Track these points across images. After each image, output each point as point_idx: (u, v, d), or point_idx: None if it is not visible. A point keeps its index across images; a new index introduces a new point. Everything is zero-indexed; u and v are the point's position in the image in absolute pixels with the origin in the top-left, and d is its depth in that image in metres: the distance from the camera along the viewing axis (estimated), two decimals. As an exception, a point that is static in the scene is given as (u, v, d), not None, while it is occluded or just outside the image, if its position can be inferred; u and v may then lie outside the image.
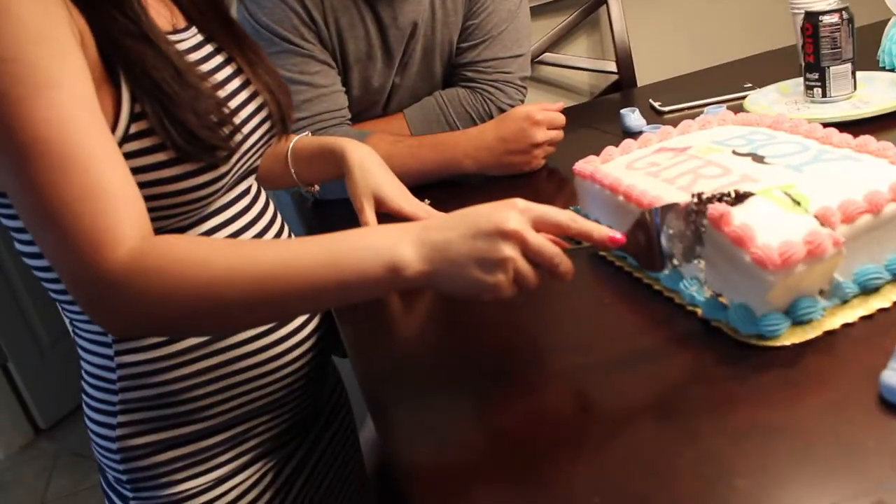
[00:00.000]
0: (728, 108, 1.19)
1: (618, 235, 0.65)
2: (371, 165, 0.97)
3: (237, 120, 0.78)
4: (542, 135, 1.18)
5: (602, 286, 0.83)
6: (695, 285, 0.71)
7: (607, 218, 0.86)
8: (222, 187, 0.77)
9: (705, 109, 1.22)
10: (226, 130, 0.74)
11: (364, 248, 0.63)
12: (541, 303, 0.80)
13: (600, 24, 2.00)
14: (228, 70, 0.81)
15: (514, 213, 0.62)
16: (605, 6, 1.88)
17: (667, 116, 1.33)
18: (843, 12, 1.11)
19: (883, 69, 1.26)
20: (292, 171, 1.02)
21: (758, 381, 0.63)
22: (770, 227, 0.66)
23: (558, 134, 1.21)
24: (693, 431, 0.59)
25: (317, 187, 1.07)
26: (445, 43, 1.34)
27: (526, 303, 0.78)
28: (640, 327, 0.74)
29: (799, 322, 0.66)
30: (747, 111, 1.17)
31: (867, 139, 0.81)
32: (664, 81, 1.58)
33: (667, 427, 0.60)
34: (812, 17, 1.13)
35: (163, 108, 0.69)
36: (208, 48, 0.80)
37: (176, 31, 0.78)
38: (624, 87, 1.89)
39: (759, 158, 0.81)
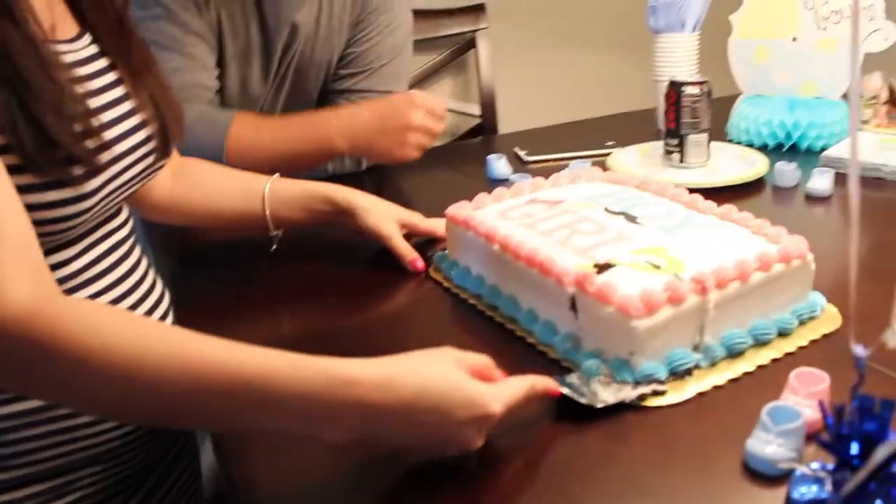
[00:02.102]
0: (593, 164, 1.22)
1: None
2: (377, 200, 0.98)
3: (107, 135, 0.70)
4: (418, 117, 1.14)
5: (471, 337, 0.81)
6: (570, 341, 0.71)
7: (479, 266, 0.85)
8: (84, 221, 0.69)
9: (570, 164, 1.24)
10: (90, 144, 0.67)
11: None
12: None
13: (466, 68, 2.03)
14: (111, 76, 0.74)
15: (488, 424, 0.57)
16: (473, 50, 1.91)
17: (531, 166, 1.35)
18: (704, 85, 1.18)
19: (730, 142, 1.34)
20: (268, 213, 0.97)
21: (633, 442, 0.62)
22: (631, 284, 0.68)
23: (436, 124, 1.18)
24: (569, 493, 0.57)
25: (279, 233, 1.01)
26: (323, 63, 1.29)
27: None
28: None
29: (675, 372, 0.67)
30: (610, 169, 1.20)
31: (730, 208, 0.84)
32: (527, 131, 1.60)
33: (543, 489, 0.58)
34: (676, 87, 1.18)
35: (18, 100, 0.61)
36: (101, 62, 0.74)
37: (59, 41, 0.70)
38: (485, 131, 1.91)
39: (631, 218, 0.83)
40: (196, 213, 0.98)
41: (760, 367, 0.69)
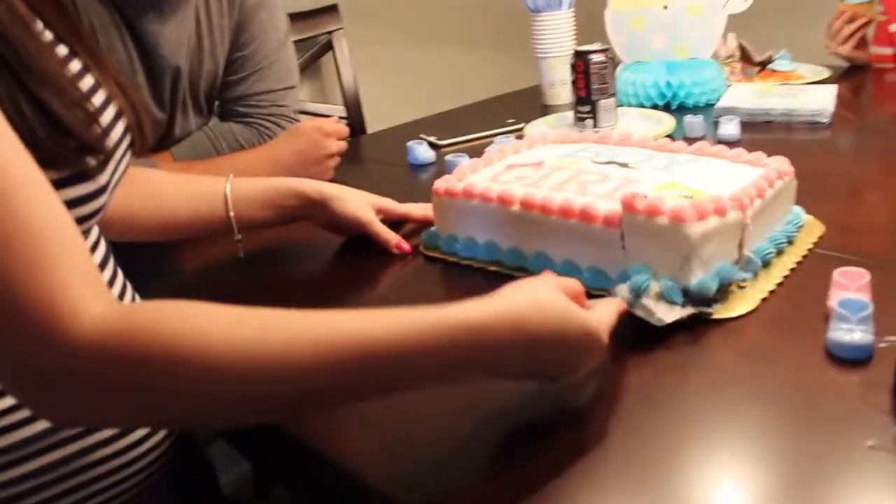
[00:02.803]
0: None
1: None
2: (347, 189, 0.96)
3: (103, 121, 0.63)
4: (334, 145, 1.21)
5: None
6: (622, 280, 0.73)
7: (489, 232, 0.85)
8: (98, 214, 0.62)
9: (494, 140, 1.27)
10: (97, 129, 0.60)
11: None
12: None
13: (322, 72, 2.00)
14: (77, 63, 0.65)
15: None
16: (330, 52, 1.88)
17: (446, 150, 1.36)
18: (608, 52, 1.25)
19: (619, 106, 1.43)
20: (232, 214, 0.91)
21: (717, 358, 0.66)
22: (674, 201, 0.72)
23: (345, 145, 1.24)
24: (679, 413, 0.60)
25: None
26: (211, 74, 1.24)
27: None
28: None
29: (723, 284, 0.71)
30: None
31: (702, 144, 0.91)
32: (415, 122, 1.61)
33: (656, 415, 0.61)
34: (582, 56, 1.25)
35: (19, 84, 0.53)
36: (63, 48, 0.64)
37: None
38: (355, 132, 1.89)
39: (624, 165, 0.87)
40: (154, 225, 0.90)
41: (791, 271, 0.77)
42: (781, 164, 0.83)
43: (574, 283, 0.62)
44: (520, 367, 0.57)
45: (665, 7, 1.41)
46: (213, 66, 1.23)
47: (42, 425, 0.61)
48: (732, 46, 1.51)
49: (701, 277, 0.70)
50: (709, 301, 0.71)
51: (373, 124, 1.90)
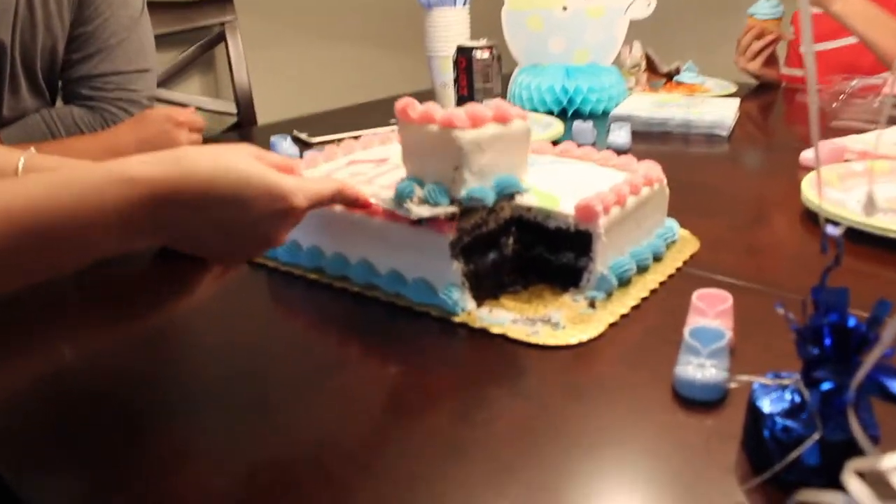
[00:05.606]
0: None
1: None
2: None
3: None
4: (185, 137, 1.09)
5: (319, 312, 0.69)
6: (456, 291, 0.61)
7: (309, 237, 0.73)
8: None
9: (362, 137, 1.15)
10: None
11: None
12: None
13: (214, 65, 1.86)
14: None
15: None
16: (223, 45, 1.75)
17: (316, 147, 1.23)
18: (493, 49, 1.15)
19: (514, 112, 1.33)
20: None
21: (545, 394, 0.54)
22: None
23: (199, 138, 1.12)
24: (485, 463, 0.48)
25: None
26: (47, 50, 1.09)
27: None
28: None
29: (502, 195, 0.63)
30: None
31: (569, 145, 0.81)
32: (295, 119, 1.49)
33: (455, 467, 0.48)
34: (465, 52, 1.14)
35: None
36: None
37: None
38: (244, 129, 1.76)
39: (475, 164, 0.75)
40: None
41: (652, 292, 0.66)
42: (651, 169, 0.72)
43: (283, 158, 0.59)
44: (193, 229, 0.51)
45: (564, 8, 1.31)
46: (50, 41, 1.09)
47: None
48: (638, 55, 1.42)
49: (473, 187, 0.61)
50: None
51: (264, 121, 1.77)
